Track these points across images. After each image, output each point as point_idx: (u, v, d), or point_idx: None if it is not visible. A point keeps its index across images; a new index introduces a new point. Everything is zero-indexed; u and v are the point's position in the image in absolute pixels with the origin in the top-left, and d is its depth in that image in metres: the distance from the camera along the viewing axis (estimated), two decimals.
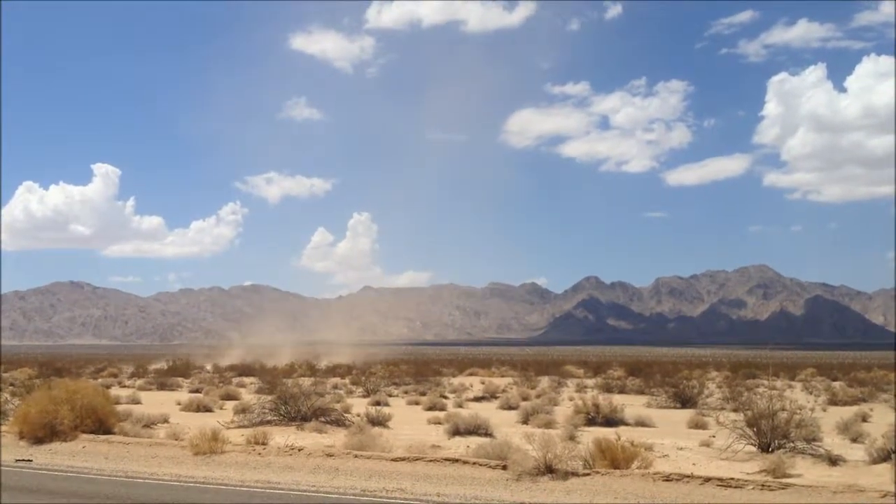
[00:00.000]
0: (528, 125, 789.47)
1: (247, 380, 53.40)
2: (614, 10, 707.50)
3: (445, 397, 37.90)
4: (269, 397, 27.52)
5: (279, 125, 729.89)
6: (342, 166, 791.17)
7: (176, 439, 19.67)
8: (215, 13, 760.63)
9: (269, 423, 23.64)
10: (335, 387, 45.77)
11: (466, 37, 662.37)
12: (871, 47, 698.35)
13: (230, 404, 31.82)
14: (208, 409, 30.95)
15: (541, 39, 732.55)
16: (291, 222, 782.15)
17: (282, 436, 20.17)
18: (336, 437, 20.50)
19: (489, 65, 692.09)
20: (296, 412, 24.24)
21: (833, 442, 20.83)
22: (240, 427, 22.89)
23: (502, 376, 61.47)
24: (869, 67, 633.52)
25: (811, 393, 44.87)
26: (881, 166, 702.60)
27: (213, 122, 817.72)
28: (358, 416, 25.50)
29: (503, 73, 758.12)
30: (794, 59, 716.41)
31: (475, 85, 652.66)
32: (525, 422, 26.21)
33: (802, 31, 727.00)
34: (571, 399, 35.69)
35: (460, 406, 33.51)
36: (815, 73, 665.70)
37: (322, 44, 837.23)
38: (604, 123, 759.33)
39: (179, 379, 52.87)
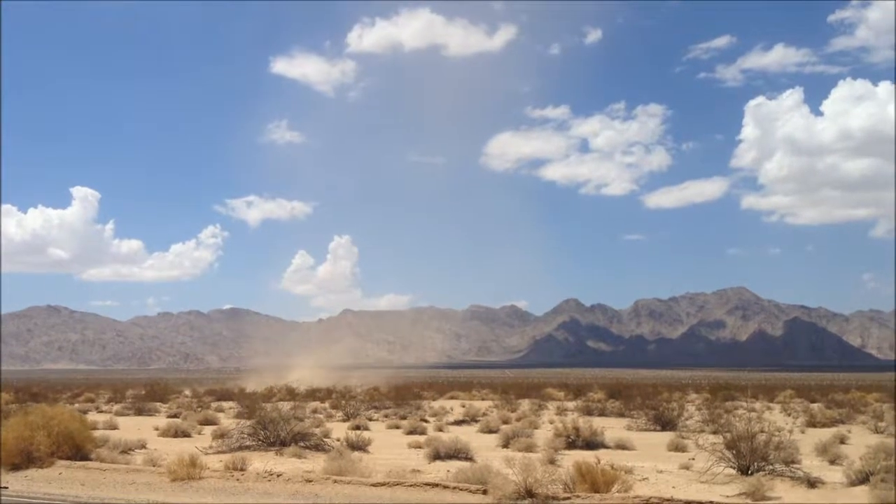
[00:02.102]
0: (508, 148, 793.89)
1: (226, 404, 53.00)
2: (594, 35, 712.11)
3: (426, 421, 37.76)
4: (249, 422, 27.31)
5: (260, 148, 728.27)
6: (323, 189, 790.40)
7: (153, 465, 19.48)
8: (197, 37, 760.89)
9: (247, 448, 23.43)
10: (315, 411, 45.49)
11: (447, 61, 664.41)
12: (846, 71, 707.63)
13: (209, 429, 31.57)
14: (186, 435, 30.68)
15: (521, 63, 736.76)
16: (272, 245, 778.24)
17: (261, 461, 20.03)
18: (316, 463, 20.37)
19: (470, 88, 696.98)
20: (275, 437, 24.06)
21: (812, 464, 20.92)
22: (218, 452, 22.71)
23: (483, 399, 61.34)
24: (845, 91, 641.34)
25: (790, 415, 45.05)
26: (857, 189, 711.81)
27: (194, 146, 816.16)
28: (338, 440, 25.37)
29: (484, 97, 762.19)
30: (771, 84, 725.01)
31: (455, 108, 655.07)
32: (506, 445, 26.15)
33: (779, 56, 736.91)
34: (552, 422, 35.68)
35: (441, 430, 33.38)
36: (791, 97, 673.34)
37: (304, 67, 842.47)
38: (583, 147, 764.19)
39: (157, 404, 52.37)
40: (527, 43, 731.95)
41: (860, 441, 27.61)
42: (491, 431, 32.01)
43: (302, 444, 23.64)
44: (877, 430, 33.66)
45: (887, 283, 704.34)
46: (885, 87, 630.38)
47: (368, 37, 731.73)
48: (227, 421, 36.60)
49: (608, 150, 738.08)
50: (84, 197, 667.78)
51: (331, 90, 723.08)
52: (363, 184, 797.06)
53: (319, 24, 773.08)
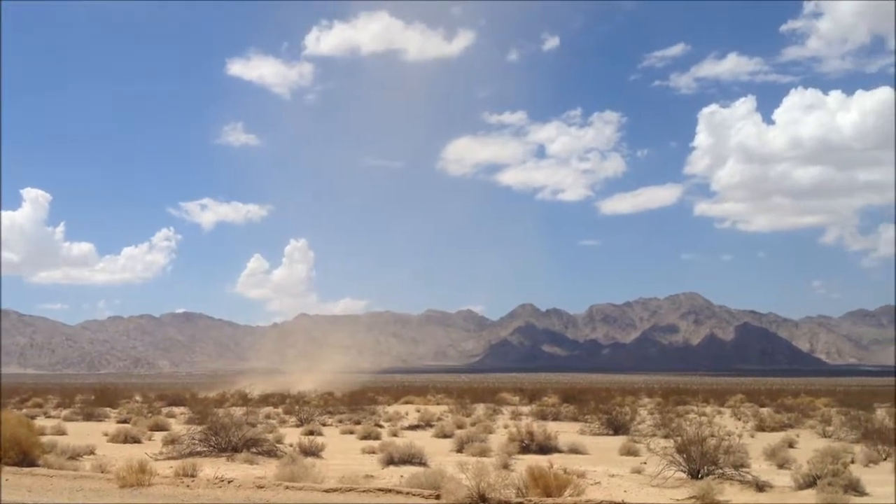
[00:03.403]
0: (465, 153, 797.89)
1: (177, 409, 52.33)
2: (552, 42, 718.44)
3: (380, 426, 37.63)
4: (200, 428, 26.99)
5: (215, 150, 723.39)
6: (279, 192, 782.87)
7: (102, 471, 19.16)
8: (151, 37, 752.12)
9: (198, 454, 23.14)
10: (268, 416, 45.12)
11: (405, 65, 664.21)
12: (798, 81, 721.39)
13: (159, 435, 31.15)
14: (136, 440, 30.20)
15: (479, 69, 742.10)
16: (226, 249, 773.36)
17: (212, 467, 19.80)
18: (267, 468, 20.20)
19: (428, 93, 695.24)
20: (226, 443, 23.79)
21: (760, 468, 21.23)
22: (168, 458, 22.43)
23: (438, 404, 61.32)
24: (796, 100, 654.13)
25: (740, 419, 45.71)
26: (807, 197, 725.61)
27: (148, 147, 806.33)
28: (290, 446, 25.18)
29: (441, 102, 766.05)
30: (724, 92, 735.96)
31: (413, 112, 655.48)
32: (460, 450, 26.17)
33: (732, 65, 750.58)
34: (506, 427, 35.80)
35: (395, 435, 33.30)
36: (744, 105, 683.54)
37: (260, 69, 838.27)
38: (540, 152, 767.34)
39: (107, 409, 51.55)
40: (485, 48, 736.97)
41: (808, 445, 28.09)
42: (445, 436, 31.99)
43: (254, 449, 23.42)
44: (825, 435, 34.27)
45: (836, 290, 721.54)
46: (835, 96, 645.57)
47: (326, 39, 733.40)
48: (178, 427, 36.11)
49: (564, 156, 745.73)
50: (34, 199, 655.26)
51: (288, 93, 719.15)
52: (320, 187, 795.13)
53: (277, 25, 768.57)
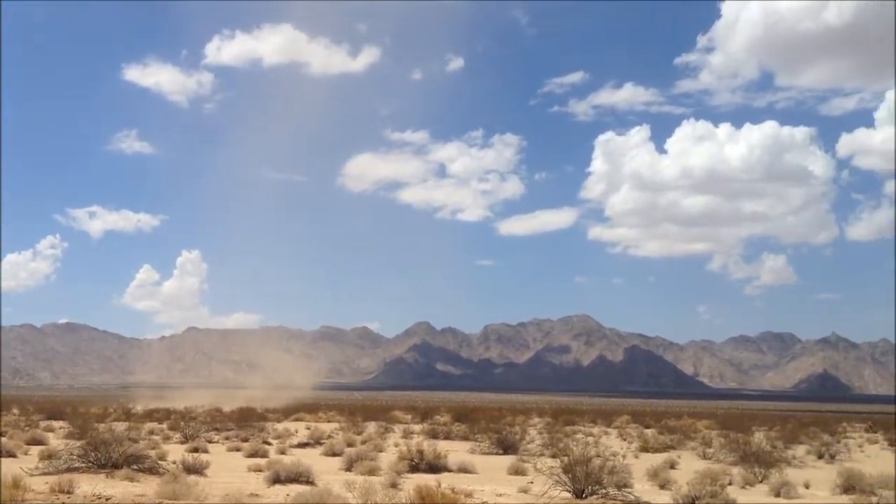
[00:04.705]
0: (366, 170, 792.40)
1: (56, 423, 50.31)
2: (456, 63, 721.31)
3: (268, 443, 37.04)
4: (79, 443, 26.06)
5: (107, 157, 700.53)
6: (173, 202, 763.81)
7: None
8: (45, 38, 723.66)
9: (76, 470, 22.38)
10: (152, 432, 43.81)
11: (308, 79, 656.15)
12: (690, 112, 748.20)
13: (36, 449, 29.91)
14: (11, 455, 28.98)
15: (383, 86, 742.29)
16: (115, 259, 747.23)
17: (90, 484, 19.14)
18: (149, 486, 19.63)
19: (330, 108, 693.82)
20: (106, 459, 23.05)
21: (643, 488, 21.78)
22: (44, 474, 21.55)
23: (329, 422, 60.77)
24: (687, 131, 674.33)
25: (625, 440, 46.82)
26: (695, 225, 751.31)
27: (34, 151, 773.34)
28: (173, 463, 24.54)
29: (344, 117, 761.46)
30: (620, 120, 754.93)
31: (315, 127, 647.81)
32: (349, 469, 25.97)
33: (628, 95, 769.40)
34: (397, 445, 35.73)
35: (283, 453, 32.82)
36: (639, 134, 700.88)
37: (157, 77, 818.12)
38: (441, 172, 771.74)
39: None
40: (389, 66, 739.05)
41: (689, 466, 28.97)
42: (335, 454, 31.71)
43: (135, 466, 22.74)
44: (705, 457, 35.43)
45: (719, 315, 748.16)
46: (724, 128, 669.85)
47: (228, 49, 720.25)
48: (56, 441, 34.78)
49: (465, 177, 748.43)
50: None
51: (185, 101, 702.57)
52: (216, 198, 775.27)
53: (176, 33, 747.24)
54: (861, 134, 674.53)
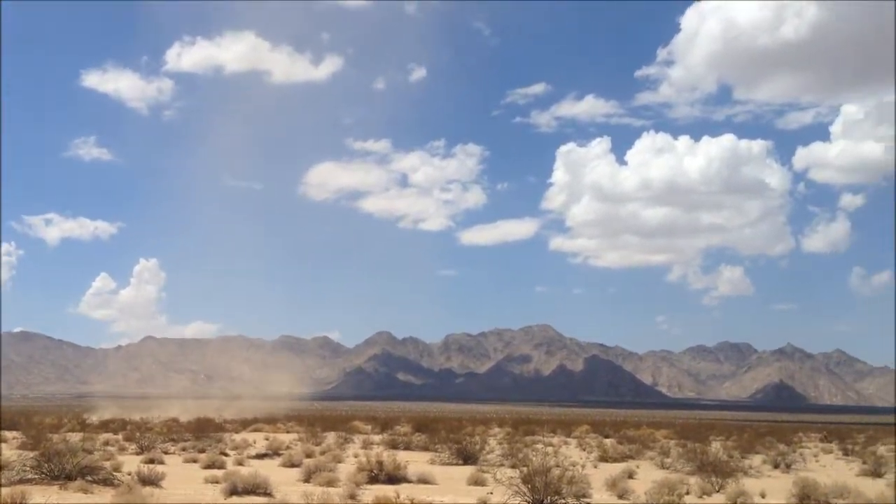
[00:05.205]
0: (328, 178, 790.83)
1: (9, 434, 49.30)
2: (419, 73, 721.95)
3: (226, 454, 36.63)
4: (32, 454, 25.58)
5: (64, 163, 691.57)
6: (130, 209, 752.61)
7: None
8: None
9: (29, 481, 22.01)
10: (107, 443, 43.10)
11: (270, 86, 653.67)
12: (649, 125, 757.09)
13: None
14: None
15: (345, 95, 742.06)
16: (71, 266, 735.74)
17: (42, 495, 18.79)
18: (103, 498, 19.34)
19: (292, 116, 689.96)
20: (60, 470, 22.72)
21: (601, 497, 21.88)
22: None
23: (288, 432, 60.25)
24: (647, 143, 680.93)
25: (584, 449, 47.02)
26: (654, 236, 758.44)
27: None
28: (128, 474, 24.17)
29: (306, 126, 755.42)
30: (581, 132, 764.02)
31: (276, 135, 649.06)
32: (307, 480, 25.77)
33: (589, 107, 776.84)
34: (356, 456, 35.51)
35: (241, 464, 32.47)
36: (599, 145, 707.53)
37: (117, 83, 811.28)
38: (403, 181, 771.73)
39: None
40: (352, 75, 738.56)
41: (647, 476, 29.16)
42: (293, 465, 31.43)
43: (89, 477, 22.44)
44: (663, 466, 35.71)
45: (678, 325, 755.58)
46: (683, 141, 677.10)
47: (189, 56, 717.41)
48: (8, 452, 34.03)
49: (427, 186, 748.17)
50: None
51: (145, 108, 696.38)
52: (174, 205, 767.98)
53: (137, 38, 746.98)
54: (817, 147, 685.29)
